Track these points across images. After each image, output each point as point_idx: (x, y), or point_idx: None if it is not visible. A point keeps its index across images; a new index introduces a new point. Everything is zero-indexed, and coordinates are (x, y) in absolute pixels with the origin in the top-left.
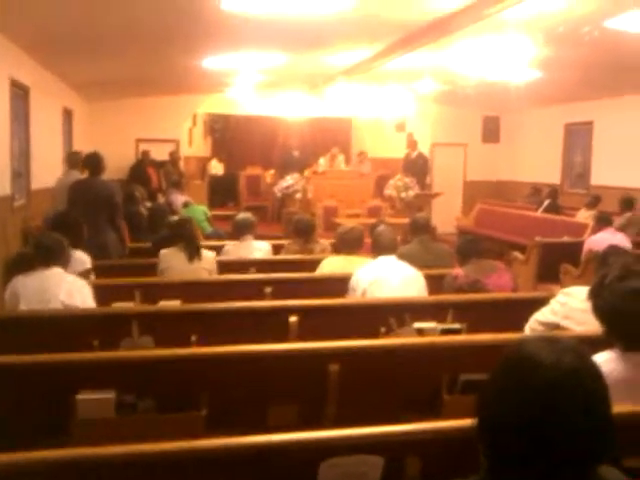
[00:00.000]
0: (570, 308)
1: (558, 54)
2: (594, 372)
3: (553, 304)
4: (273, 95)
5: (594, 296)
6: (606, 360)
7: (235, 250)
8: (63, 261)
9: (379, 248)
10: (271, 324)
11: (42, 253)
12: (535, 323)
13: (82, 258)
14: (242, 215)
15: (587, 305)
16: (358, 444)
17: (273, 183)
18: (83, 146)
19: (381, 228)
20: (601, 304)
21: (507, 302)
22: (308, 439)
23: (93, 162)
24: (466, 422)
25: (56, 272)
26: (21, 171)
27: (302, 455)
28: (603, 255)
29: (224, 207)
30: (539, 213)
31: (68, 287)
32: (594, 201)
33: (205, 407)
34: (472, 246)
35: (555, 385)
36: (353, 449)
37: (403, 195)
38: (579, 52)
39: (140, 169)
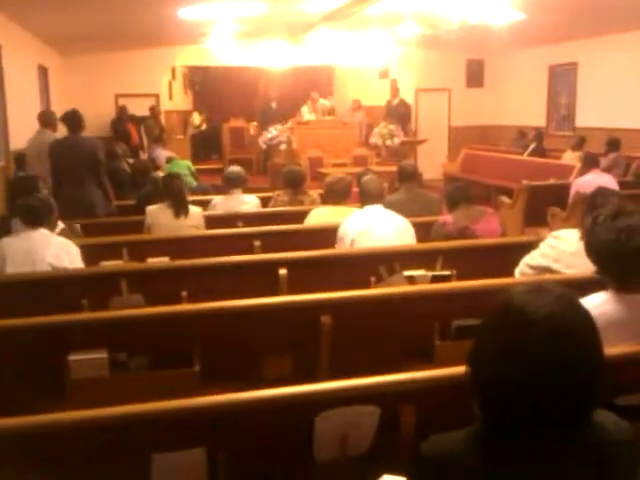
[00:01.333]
0: (560, 251)
1: None
2: (587, 320)
3: (543, 247)
4: (253, 45)
5: (588, 235)
6: (599, 302)
7: (223, 204)
8: (50, 222)
9: (366, 197)
10: (261, 278)
11: (28, 214)
12: (525, 267)
13: None
14: (233, 168)
15: (577, 248)
16: (353, 395)
17: (256, 135)
18: (60, 104)
19: (367, 177)
20: (595, 243)
21: (496, 247)
22: (302, 392)
23: (73, 119)
24: (459, 369)
25: (43, 233)
26: None
27: (297, 409)
28: (591, 196)
29: (208, 161)
30: (525, 156)
31: (55, 248)
32: (580, 142)
33: (198, 362)
34: (461, 193)
35: (549, 339)
36: (348, 400)
37: (388, 143)
38: None
39: (120, 125)
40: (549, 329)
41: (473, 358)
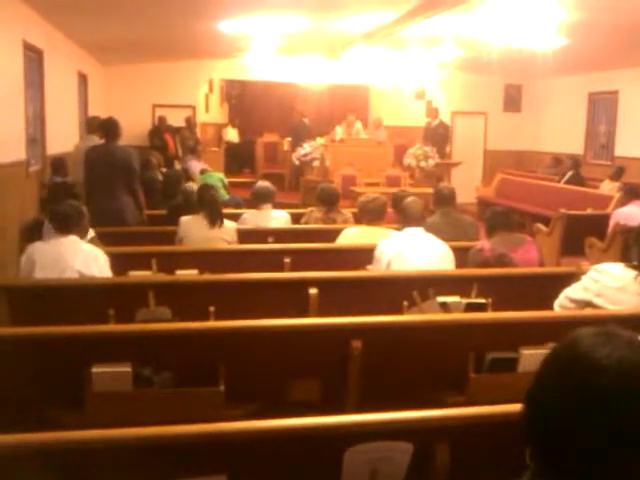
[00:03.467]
0: (603, 285)
1: (586, 19)
2: None
3: (585, 281)
4: (290, 61)
5: None
6: None
7: (253, 219)
8: (81, 229)
9: (407, 219)
10: (291, 296)
11: (59, 220)
12: (566, 300)
13: None
14: (261, 183)
15: (622, 283)
16: (386, 430)
17: (290, 150)
18: (99, 111)
19: (410, 199)
20: None
21: (534, 277)
22: (332, 424)
23: (109, 127)
24: (499, 408)
25: (72, 240)
26: (36, 136)
27: (327, 441)
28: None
29: (241, 174)
30: (562, 184)
31: (84, 256)
32: (618, 172)
33: (223, 381)
34: (501, 218)
35: (618, 388)
36: (380, 435)
37: (423, 164)
38: (606, 17)
39: (157, 135)
40: (620, 377)
41: (531, 403)
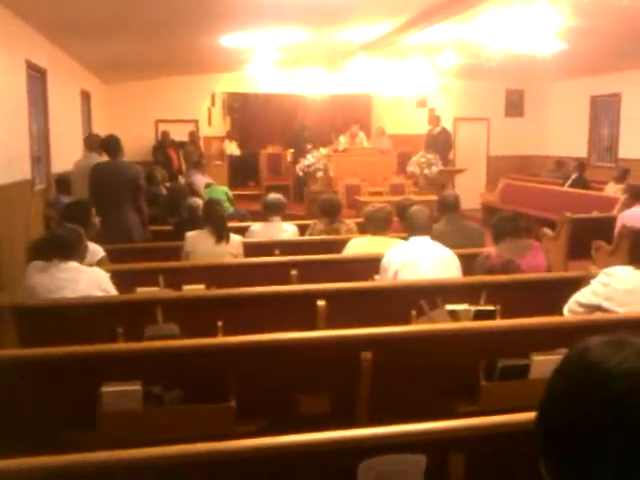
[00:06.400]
0: (613, 289)
1: (585, 24)
2: None
3: (594, 285)
4: (292, 72)
5: None
6: None
7: (262, 231)
8: (80, 252)
9: (413, 228)
10: (299, 309)
11: (58, 245)
12: (575, 305)
13: (93, 249)
14: (273, 195)
15: (631, 286)
16: (399, 442)
17: (293, 162)
18: (102, 129)
19: (416, 207)
20: None
21: (542, 282)
22: (345, 438)
23: (113, 144)
24: (514, 417)
25: (72, 268)
26: (40, 155)
27: (339, 455)
28: None
29: (245, 187)
30: (566, 187)
31: (86, 284)
32: (623, 174)
33: (234, 397)
34: (508, 224)
35: (631, 398)
36: (393, 447)
37: (426, 172)
38: (606, 22)
39: (161, 150)
40: (632, 386)
41: (543, 414)
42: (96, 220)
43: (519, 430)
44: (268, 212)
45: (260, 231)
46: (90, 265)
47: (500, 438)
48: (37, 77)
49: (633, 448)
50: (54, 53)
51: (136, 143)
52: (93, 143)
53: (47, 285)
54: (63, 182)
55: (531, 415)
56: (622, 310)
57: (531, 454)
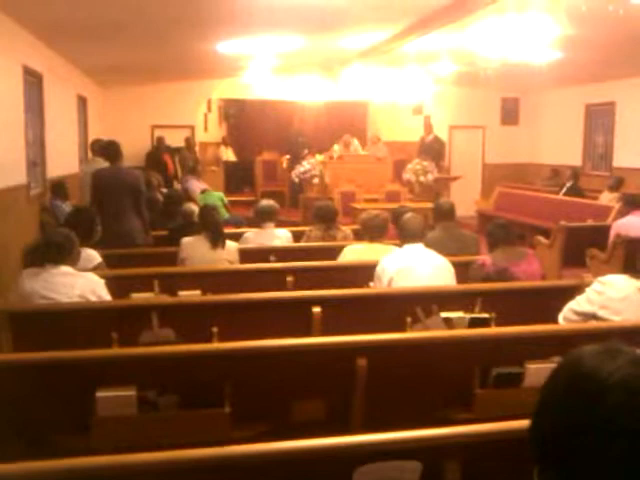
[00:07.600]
0: (608, 297)
1: (580, 33)
2: None
3: (589, 293)
4: (288, 79)
5: None
6: None
7: (255, 238)
8: (73, 257)
9: (406, 235)
10: (294, 315)
11: (52, 250)
12: (570, 312)
13: (90, 255)
14: (265, 202)
15: (626, 294)
16: (394, 449)
17: (288, 168)
18: (98, 133)
19: (409, 215)
20: None
21: (537, 290)
22: (340, 445)
23: (113, 149)
24: (509, 424)
25: (65, 273)
26: (36, 160)
27: (335, 462)
28: None
29: (240, 193)
30: (561, 196)
31: (80, 290)
32: (617, 183)
33: (229, 403)
34: (501, 231)
35: (624, 407)
36: (388, 454)
37: (422, 179)
38: (601, 31)
39: (156, 156)
40: (625, 395)
41: (536, 423)
42: (99, 227)
43: (513, 437)
44: (261, 219)
45: (253, 238)
46: (84, 271)
47: (494, 445)
48: (33, 82)
49: (629, 459)
50: (50, 57)
51: (132, 148)
52: (97, 148)
53: (40, 290)
54: (58, 187)
55: (525, 423)
56: (617, 318)
57: (525, 462)
